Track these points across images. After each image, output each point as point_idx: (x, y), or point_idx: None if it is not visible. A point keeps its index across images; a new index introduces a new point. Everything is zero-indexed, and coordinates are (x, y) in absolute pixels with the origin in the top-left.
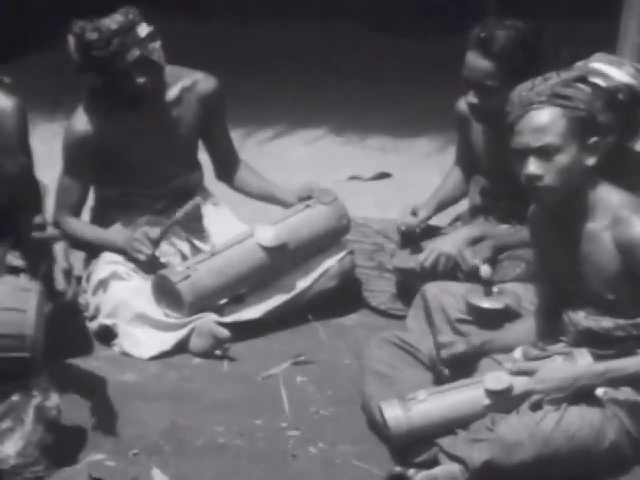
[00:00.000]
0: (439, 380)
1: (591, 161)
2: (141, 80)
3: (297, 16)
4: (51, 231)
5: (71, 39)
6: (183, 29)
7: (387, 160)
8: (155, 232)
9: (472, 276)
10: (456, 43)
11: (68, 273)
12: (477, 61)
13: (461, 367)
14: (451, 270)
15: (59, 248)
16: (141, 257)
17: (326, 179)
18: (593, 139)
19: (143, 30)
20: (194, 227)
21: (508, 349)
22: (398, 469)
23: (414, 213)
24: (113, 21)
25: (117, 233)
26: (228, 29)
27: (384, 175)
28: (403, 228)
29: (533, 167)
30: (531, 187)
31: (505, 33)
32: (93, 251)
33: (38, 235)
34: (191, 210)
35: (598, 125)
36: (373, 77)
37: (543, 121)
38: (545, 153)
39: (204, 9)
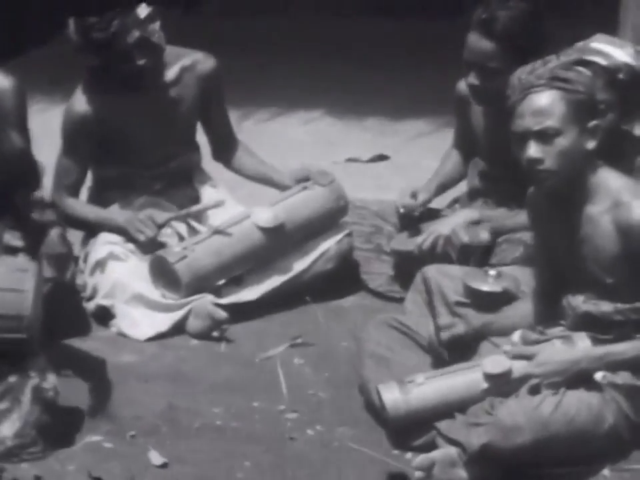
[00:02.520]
0: (438, 363)
1: (591, 144)
2: (140, 62)
3: (292, 5)
4: (49, 214)
5: (70, 21)
6: (175, 13)
7: (384, 141)
8: (161, 216)
9: (463, 254)
10: (455, 24)
11: (65, 258)
12: (478, 42)
13: (460, 348)
14: (449, 252)
15: (55, 233)
16: (141, 238)
17: (324, 160)
18: (593, 122)
19: (143, 11)
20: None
21: (507, 332)
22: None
23: (413, 196)
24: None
25: (116, 212)
26: (223, 17)
27: (382, 157)
28: (402, 210)
29: (534, 150)
30: (532, 171)
31: (507, 14)
32: (91, 230)
33: (36, 216)
34: (210, 208)
35: (598, 108)
36: (372, 59)
37: (543, 104)
38: (545, 136)
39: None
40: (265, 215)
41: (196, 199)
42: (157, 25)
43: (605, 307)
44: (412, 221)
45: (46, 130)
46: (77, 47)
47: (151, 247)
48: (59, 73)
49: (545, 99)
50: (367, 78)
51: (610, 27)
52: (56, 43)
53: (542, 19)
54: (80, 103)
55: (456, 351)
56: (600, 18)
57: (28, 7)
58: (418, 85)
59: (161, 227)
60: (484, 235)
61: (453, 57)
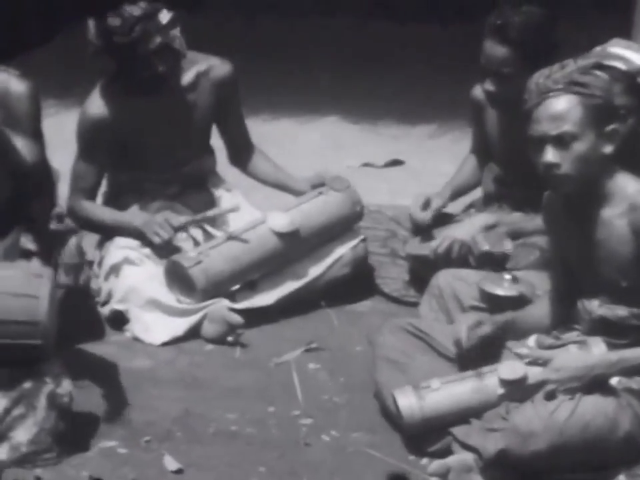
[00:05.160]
0: (462, 363)
1: (608, 148)
2: (161, 68)
3: (306, 10)
4: (68, 223)
5: (91, 24)
6: (188, 20)
7: (399, 147)
8: (177, 219)
9: (482, 260)
10: (469, 29)
11: (78, 268)
12: (493, 48)
13: (486, 348)
14: (465, 257)
15: (72, 242)
16: (157, 240)
17: (338, 165)
18: (610, 127)
19: (165, 16)
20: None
21: (523, 335)
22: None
23: (427, 204)
24: (136, 7)
25: (133, 215)
26: (234, 20)
27: (397, 162)
28: (414, 222)
29: (551, 155)
30: (549, 175)
31: (521, 19)
32: (108, 233)
33: (55, 226)
34: (226, 212)
35: (615, 112)
36: (386, 64)
37: (560, 108)
38: (563, 141)
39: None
40: (281, 220)
41: (211, 203)
42: (177, 31)
43: (621, 311)
44: (425, 230)
45: (59, 134)
46: (96, 50)
47: (166, 251)
48: (67, 74)
49: (562, 103)
50: (382, 83)
51: (623, 31)
52: (58, 41)
53: (555, 23)
54: (96, 106)
55: (482, 350)
56: (612, 22)
57: (28, 6)
58: (432, 89)
59: (176, 230)
60: (507, 245)
61: (466, 61)
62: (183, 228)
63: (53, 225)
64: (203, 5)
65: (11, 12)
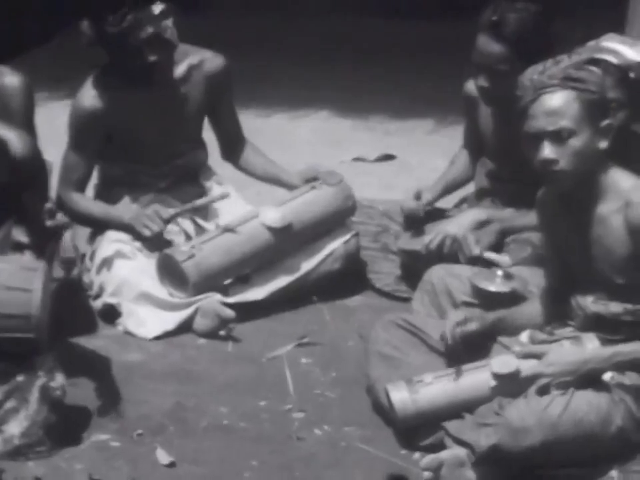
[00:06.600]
0: (450, 358)
1: (603, 144)
2: (152, 58)
3: (301, 7)
4: (60, 217)
5: (84, 17)
6: (182, 17)
7: (391, 141)
8: (166, 211)
9: (471, 263)
10: (461, 24)
11: (71, 262)
12: (488, 45)
13: (473, 344)
14: (456, 252)
15: (67, 236)
16: (147, 233)
17: (330, 160)
18: (606, 122)
19: (157, 7)
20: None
21: (516, 331)
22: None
23: (418, 197)
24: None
25: (123, 208)
26: (227, 16)
27: (388, 157)
28: (405, 212)
29: (548, 151)
30: (546, 171)
31: (517, 16)
32: (97, 226)
33: (49, 222)
34: (216, 200)
35: (610, 107)
36: (378, 58)
37: (557, 104)
38: (560, 136)
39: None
40: (273, 215)
41: (202, 197)
42: (170, 22)
43: (615, 307)
44: (417, 221)
45: (50, 127)
46: (88, 42)
47: (157, 244)
48: (62, 70)
49: (558, 99)
50: (373, 77)
51: (618, 26)
52: (56, 41)
53: (551, 20)
54: (88, 97)
55: (469, 346)
56: (607, 18)
57: (28, 6)
58: (424, 84)
59: (166, 222)
60: (505, 260)
61: (458, 56)
62: (172, 219)
63: (48, 222)
64: (198, 3)
65: (10, 12)
